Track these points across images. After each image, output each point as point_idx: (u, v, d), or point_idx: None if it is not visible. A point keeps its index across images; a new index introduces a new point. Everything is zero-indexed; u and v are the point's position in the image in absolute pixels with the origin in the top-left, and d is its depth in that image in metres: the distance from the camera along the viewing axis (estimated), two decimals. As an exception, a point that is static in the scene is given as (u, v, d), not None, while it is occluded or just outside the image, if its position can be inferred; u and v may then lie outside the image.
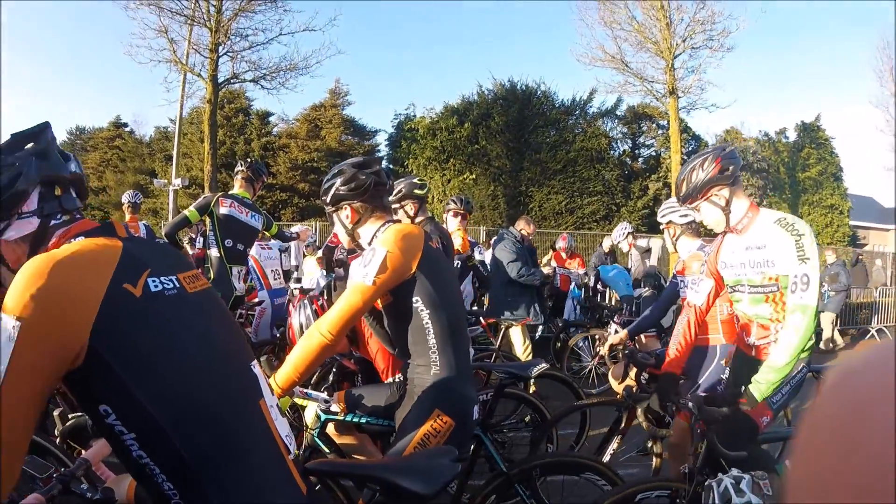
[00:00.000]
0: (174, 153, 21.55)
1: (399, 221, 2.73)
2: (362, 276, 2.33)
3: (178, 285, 1.44)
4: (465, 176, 22.27)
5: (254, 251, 6.37)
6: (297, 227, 9.48)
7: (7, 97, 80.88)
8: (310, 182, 25.98)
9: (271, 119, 29.44)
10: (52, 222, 1.54)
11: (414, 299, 2.40)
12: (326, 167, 25.29)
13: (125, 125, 37.97)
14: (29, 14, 72.19)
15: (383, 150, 28.08)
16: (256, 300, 6.47)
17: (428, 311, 2.40)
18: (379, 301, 2.49)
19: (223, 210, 5.48)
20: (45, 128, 1.65)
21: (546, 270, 9.74)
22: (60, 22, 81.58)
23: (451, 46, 66.78)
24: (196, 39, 19.45)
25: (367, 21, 61.48)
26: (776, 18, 50.44)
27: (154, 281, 1.38)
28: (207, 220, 5.62)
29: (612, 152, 24.85)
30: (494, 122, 23.13)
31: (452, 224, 6.12)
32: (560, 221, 22.40)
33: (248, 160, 6.08)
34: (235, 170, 5.98)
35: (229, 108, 27.92)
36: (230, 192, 5.74)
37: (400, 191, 4.75)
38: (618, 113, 25.77)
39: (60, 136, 44.36)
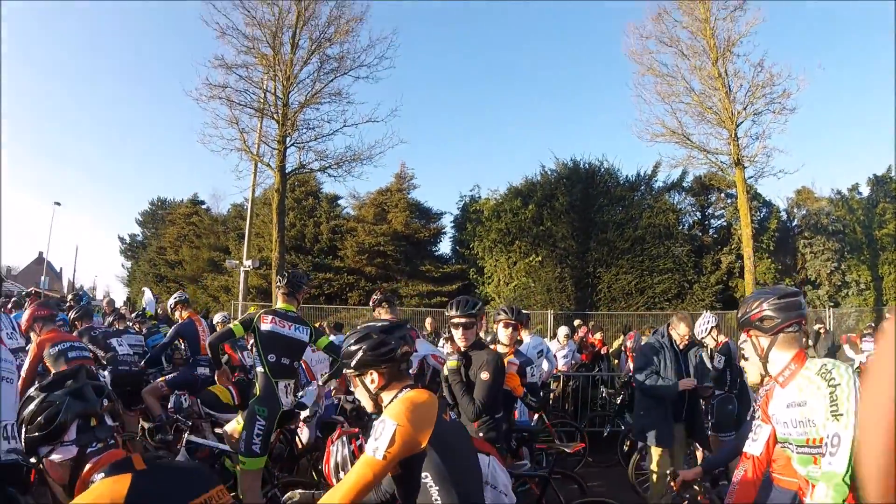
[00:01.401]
0: (246, 236, 22.42)
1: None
2: (373, 449, 2.29)
3: None
4: (530, 258, 22.18)
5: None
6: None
7: (112, 164, 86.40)
8: (376, 266, 26.29)
9: (340, 202, 30.22)
10: (89, 450, 2.00)
11: (423, 474, 2.36)
12: (392, 251, 25.82)
13: (202, 203, 39.67)
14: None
15: (449, 231, 28.42)
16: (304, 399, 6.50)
17: (437, 488, 2.35)
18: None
19: (265, 327, 5.36)
20: (79, 370, 2.22)
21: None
22: (148, 103, 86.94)
23: (514, 128, 67.24)
24: (265, 130, 20.44)
25: (430, 105, 62.75)
26: (834, 73, 48.92)
27: None
28: (251, 337, 5.56)
29: (680, 226, 24.27)
30: (559, 203, 23.00)
31: (503, 335, 5.71)
32: (630, 302, 21.92)
33: (287, 273, 5.96)
34: (275, 284, 5.97)
35: (299, 190, 28.79)
36: (273, 308, 5.66)
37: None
38: (684, 184, 25.27)
39: (143, 205, 46.31)
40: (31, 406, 2.06)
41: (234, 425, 5.39)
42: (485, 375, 4.29)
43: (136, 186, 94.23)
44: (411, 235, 26.54)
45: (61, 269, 53.56)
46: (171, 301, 8.96)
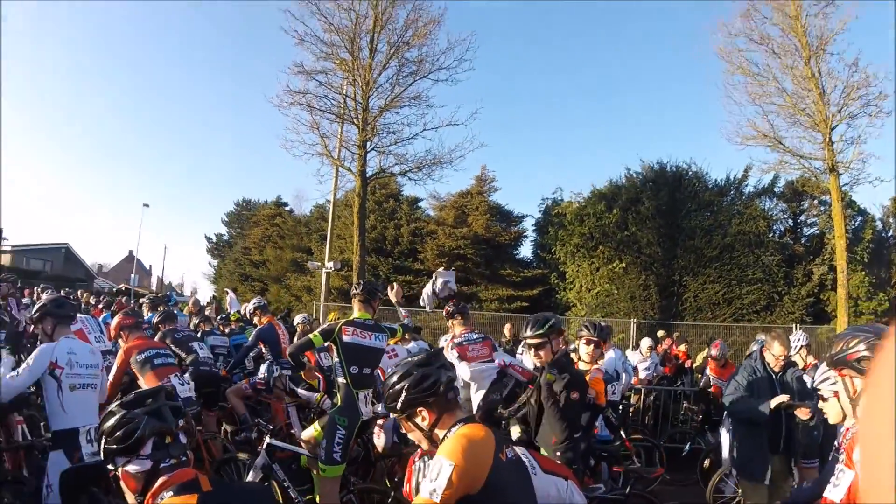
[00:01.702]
0: (328, 237, 22.85)
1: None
2: (429, 491, 2.24)
3: None
4: (614, 264, 21.73)
5: None
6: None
7: (205, 163, 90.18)
8: (456, 269, 25.88)
9: (421, 204, 30.39)
10: (162, 465, 2.17)
11: None
12: (472, 254, 25.74)
13: (285, 204, 40.77)
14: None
15: (530, 235, 28.08)
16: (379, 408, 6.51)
17: None
18: None
19: (346, 339, 5.39)
20: (159, 391, 2.46)
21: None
22: (234, 108, 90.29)
23: (597, 129, 66.46)
24: (346, 135, 20.76)
25: (510, 107, 62.56)
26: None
27: None
28: (333, 347, 5.57)
29: (771, 234, 23.28)
30: (644, 207, 22.39)
31: (584, 352, 5.68)
32: (717, 313, 21.19)
33: (361, 282, 6.02)
34: (352, 292, 5.93)
35: (380, 193, 29.12)
36: (351, 318, 5.66)
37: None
38: (776, 190, 24.19)
39: (228, 206, 47.70)
40: (112, 420, 2.23)
41: (312, 432, 5.50)
42: (574, 396, 4.27)
43: (222, 187, 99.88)
44: (492, 239, 26.39)
45: (150, 266, 55.83)
46: (250, 307, 9.25)
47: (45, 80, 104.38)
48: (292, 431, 6.82)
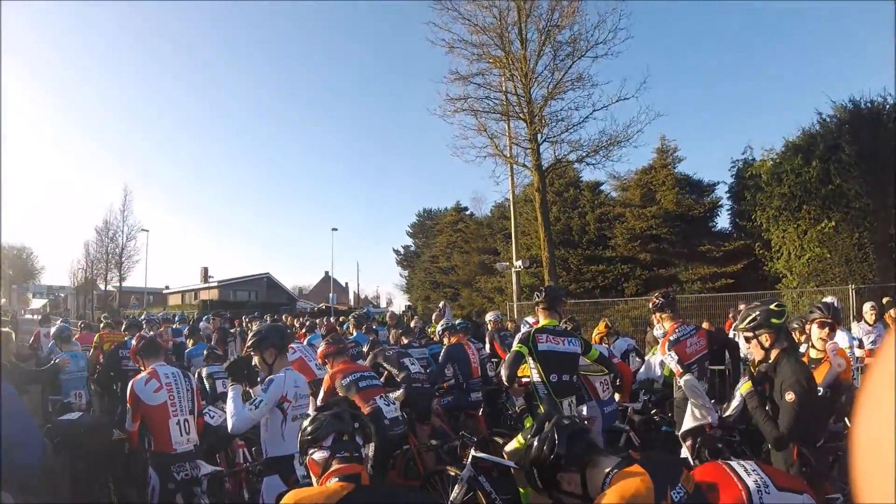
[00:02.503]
0: (513, 236, 23.26)
1: None
2: None
3: None
4: (822, 225, 19.96)
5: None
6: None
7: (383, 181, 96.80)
8: (650, 251, 25.69)
9: (603, 188, 29.92)
10: (337, 456, 2.74)
11: None
12: (666, 233, 25.15)
13: (465, 209, 42.20)
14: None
15: (725, 203, 26.68)
16: (584, 412, 6.58)
17: None
18: None
19: (542, 346, 5.51)
20: (342, 401, 3.52)
21: None
22: (403, 125, 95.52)
23: (779, 73, 61.75)
24: (515, 131, 21.16)
25: (680, 69, 59.82)
26: None
27: None
28: (529, 357, 5.59)
29: None
30: (845, 155, 20.22)
31: (816, 336, 5.45)
32: (951, 277, 18.72)
33: (542, 289, 6.12)
34: (535, 300, 6.04)
35: (559, 183, 29.12)
36: (541, 326, 5.77)
37: (755, 319, 4.29)
38: None
39: (411, 218, 50.21)
40: (307, 421, 2.95)
41: (516, 444, 5.38)
42: (790, 397, 3.95)
43: (402, 201, 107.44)
44: (684, 214, 25.48)
45: (346, 283, 59.54)
46: (439, 329, 9.63)
47: (249, 131, 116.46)
48: (496, 439, 7.10)
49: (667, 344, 6.36)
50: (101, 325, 14.16)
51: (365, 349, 9.09)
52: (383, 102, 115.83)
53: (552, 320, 5.81)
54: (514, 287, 22.49)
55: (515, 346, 5.63)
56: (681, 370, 5.86)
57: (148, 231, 52.00)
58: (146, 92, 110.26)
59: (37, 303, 63.30)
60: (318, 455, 2.78)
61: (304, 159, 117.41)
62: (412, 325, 14.25)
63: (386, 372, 7.96)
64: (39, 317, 25.16)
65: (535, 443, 2.75)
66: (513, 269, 22.31)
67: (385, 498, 2.81)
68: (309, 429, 2.86)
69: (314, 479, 2.78)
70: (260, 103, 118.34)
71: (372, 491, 2.70)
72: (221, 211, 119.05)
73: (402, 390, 7.20)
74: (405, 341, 10.23)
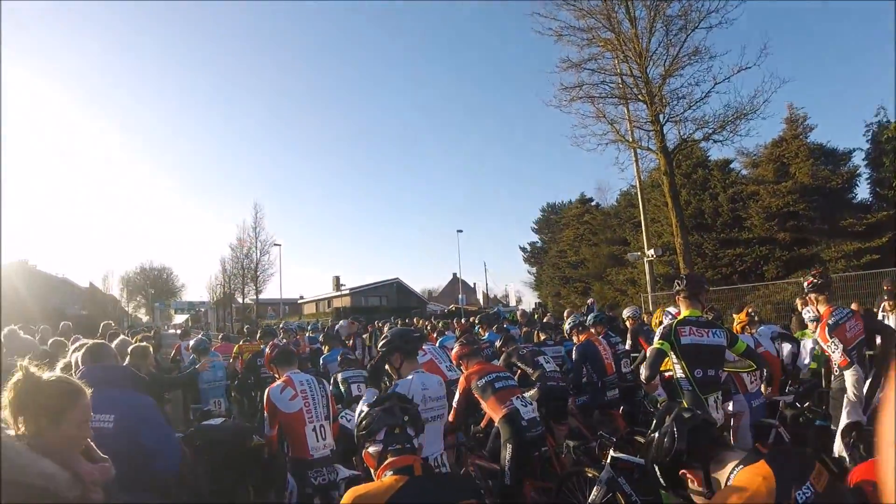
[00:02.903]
0: (642, 224, 23.05)
1: None
2: None
3: None
4: None
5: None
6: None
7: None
8: (789, 230, 24.88)
9: (733, 165, 29.20)
10: (389, 448, 2.90)
11: None
12: (804, 209, 24.33)
13: (590, 200, 42.12)
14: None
15: (864, 172, 25.41)
16: (730, 407, 6.41)
17: None
18: None
19: (685, 340, 5.20)
20: (390, 396, 3.28)
21: None
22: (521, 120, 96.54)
23: None
24: (635, 115, 20.98)
25: (804, 28, 56.95)
26: None
27: None
28: (671, 353, 5.32)
29: None
30: None
31: None
32: None
33: (683, 276, 5.68)
34: (675, 289, 5.67)
35: (686, 164, 28.58)
36: (683, 317, 5.44)
37: None
38: None
39: (535, 214, 50.47)
40: (360, 416, 3.18)
41: None
42: None
43: (525, 198, 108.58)
44: (821, 186, 24.51)
45: (475, 284, 60.39)
46: (567, 327, 9.41)
47: (372, 144, 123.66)
48: (637, 438, 6.70)
49: (826, 329, 5.92)
50: (242, 337, 15.09)
51: (497, 344, 9.06)
52: (499, 100, 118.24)
53: (695, 310, 5.49)
54: (648, 277, 22.41)
55: (656, 342, 5.33)
56: (847, 360, 5.67)
57: (280, 245, 55.15)
58: (273, 116, 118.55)
59: (179, 318, 67.51)
60: (372, 449, 2.97)
61: (425, 165, 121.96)
62: (545, 321, 13.85)
63: (519, 371, 7.88)
64: (180, 331, 26.78)
65: (656, 438, 2.62)
66: (645, 259, 22.21)
67: (437, 486, 2.90)
68: (363, 423, 3.06)
69: (372, 473, 2.96)
70: (384, 115, 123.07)
71: (424, 481, 2.80)
72: (349, 221, 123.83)
73: (535, 389, 6.95)
74: (542, 337, 10.26)
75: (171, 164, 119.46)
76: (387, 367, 5.32)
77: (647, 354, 5.41)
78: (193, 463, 5.29)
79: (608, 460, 5.38)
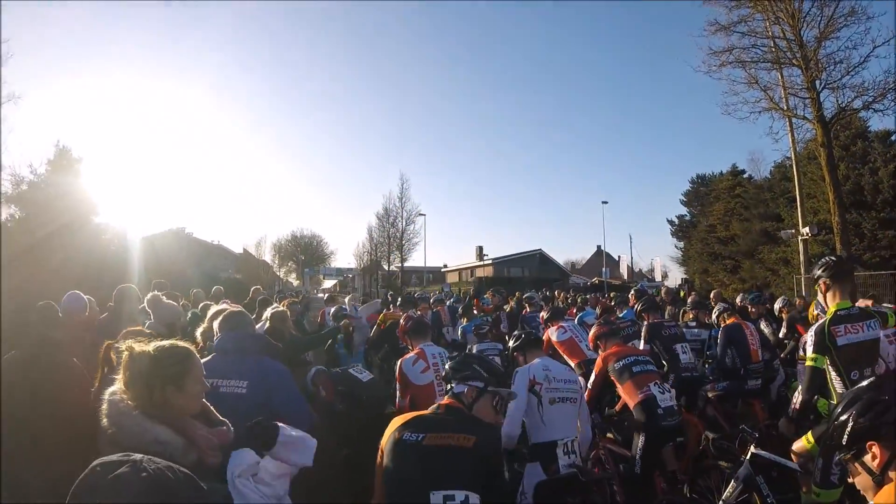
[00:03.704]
0: (797, 199, 22.32)
1: None
2: None
3: None
4: None
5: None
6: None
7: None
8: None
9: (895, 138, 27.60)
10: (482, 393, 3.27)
11: None
12: None
13: (743, 172, 40.81)
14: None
15: None
16: None
17: None
18: None
19: (841, 341, 4.63)
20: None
21: None
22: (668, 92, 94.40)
23: None
24: (789, 81, 20.25)
25: None
26: None
27: None
28: (828, 363, 4.71)
29: None
30: None
31: None
32: None
33: (826, 260, 5.04)
34: (815, 275, 5.05)
35: (844, 135, 27.35)
36: (834, 313, 4.75)
37: None
38: None
39: (684, 185, 49.39)
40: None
41: (804, 443, 4.81)
42: None
43: (673, 169, 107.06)
44: None
45: (619, 257, 59.74)
46: (715, 314, 9.00)
47: (515, 115, 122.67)
48: (774, 433, 6.41)
49: None
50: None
51: (638, 308, 8.92)
52: (644, 68, 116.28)
53: (845, 301, 4.84)
54: (802, 257, 21.64)
55: (810, 356, 4.72)
56: None
57: (425, 215, 57.06)
58: (426, 86, 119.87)
59: (328, 283, 70.75)
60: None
61: (570, 135, 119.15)
62: (691, 299, 13.10)
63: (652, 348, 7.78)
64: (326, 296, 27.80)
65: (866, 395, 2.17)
66: (799, 238, 21.48)
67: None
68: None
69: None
70: (524, 86, 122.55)
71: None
72: (493, 191, 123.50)
73: (669, 380, 6.87)
74: (690, 316, 10.02)
75: (324, 138, 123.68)
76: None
77: (804, 374, 4.95)
78: (328, 404, 5.72)
79: (748, 456, 5.11)
